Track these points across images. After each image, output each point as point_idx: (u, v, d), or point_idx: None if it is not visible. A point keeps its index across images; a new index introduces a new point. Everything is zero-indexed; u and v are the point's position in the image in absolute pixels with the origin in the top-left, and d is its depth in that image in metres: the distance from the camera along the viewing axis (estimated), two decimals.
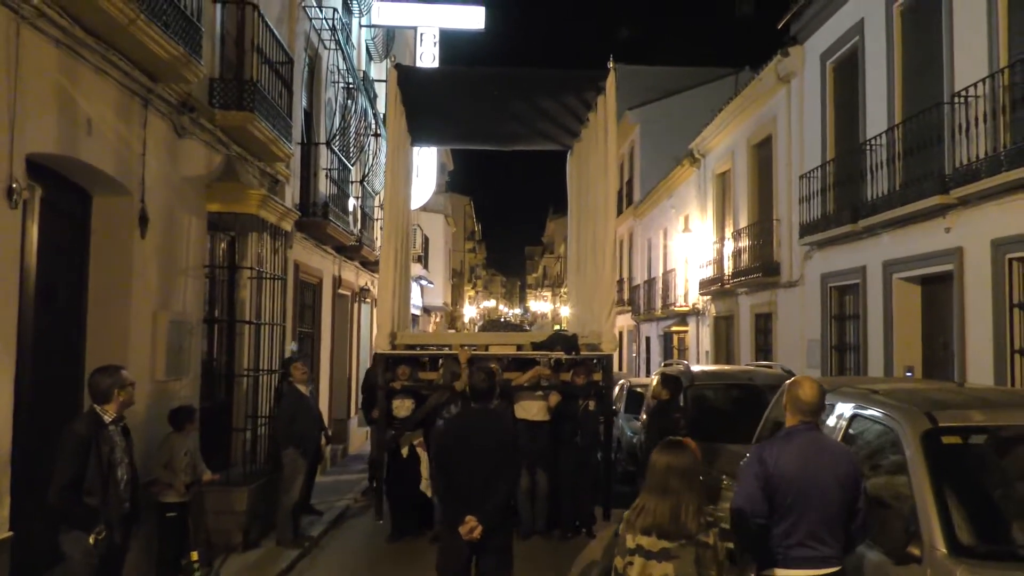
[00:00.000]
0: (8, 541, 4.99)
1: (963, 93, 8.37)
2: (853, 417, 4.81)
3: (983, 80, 8.07)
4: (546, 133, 11.66)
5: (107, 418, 4.77)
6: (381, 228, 12.91)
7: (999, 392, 5.52)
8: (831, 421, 4.90)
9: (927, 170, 9.17)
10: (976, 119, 8.16)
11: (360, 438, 15.70)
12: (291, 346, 10.55)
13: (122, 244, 6.58)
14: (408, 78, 10.29)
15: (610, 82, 9.84)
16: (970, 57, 8.59)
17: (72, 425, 4.75)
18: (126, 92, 6.43)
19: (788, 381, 4.49)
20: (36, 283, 5.59)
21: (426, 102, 10.51)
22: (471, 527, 4.83)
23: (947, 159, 8.78)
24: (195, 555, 6.71)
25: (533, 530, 8.85)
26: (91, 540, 4.56)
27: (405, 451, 8.90)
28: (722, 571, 3.65)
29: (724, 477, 7.75)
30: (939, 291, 9.71)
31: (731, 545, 6.44)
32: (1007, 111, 7.80)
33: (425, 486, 8.74)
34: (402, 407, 9.13)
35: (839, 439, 4.68)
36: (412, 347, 10.11)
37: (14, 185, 4.98)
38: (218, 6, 8.38)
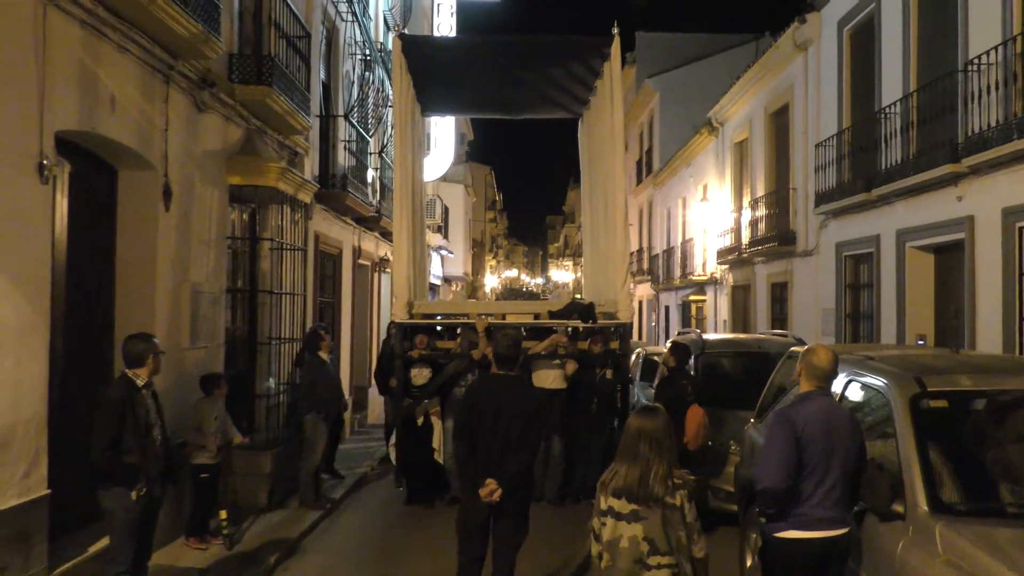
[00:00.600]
0: (46, 498, 5.28)
1: (976, 61, 8.35)
2: (849, 382, 4.97)
3: (995, 48, 8.04)
4: (555, 101, 11.56)
5: (140, 382, 5.02)
6: None
7: (992, 358, 5.62)
8: None
9: (940, 139, 9.15)
10: (988, 87, 8.14)
11: (381, 406, 15.99)
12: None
13: (147, 217, 6.82)
14: (412, 47, 10.26)
15: (615, 48, 9.73)
16: (984, 25, 8.53)
17: (108, 390, 5.01)
18: (148, 69, 6.62)
19: (803, 348, 4.62)
20: (67, 255, 5.84)
21: (432, 71, 10.47)
22: (491, 489, 4.92)
23: (960, 128, 8.77)
24: (224, 514, 7.04)
25: (543, 497, 8.87)
26: (133, 496, 4.82)
27: (421, 420, 9.09)
28: (692, 532, 3.75)
29: (732, 442, 7.95)
30: (951, 260, 9.74)
31: (734, 508, 6.70)
32: (1019, 79, 7.77)
33: (438, 454, 9.00)
34: (420, 376, 9.26)
35: None
36: (430, 316, 10.27)
37: (44, 161, 5.21)
38: None
